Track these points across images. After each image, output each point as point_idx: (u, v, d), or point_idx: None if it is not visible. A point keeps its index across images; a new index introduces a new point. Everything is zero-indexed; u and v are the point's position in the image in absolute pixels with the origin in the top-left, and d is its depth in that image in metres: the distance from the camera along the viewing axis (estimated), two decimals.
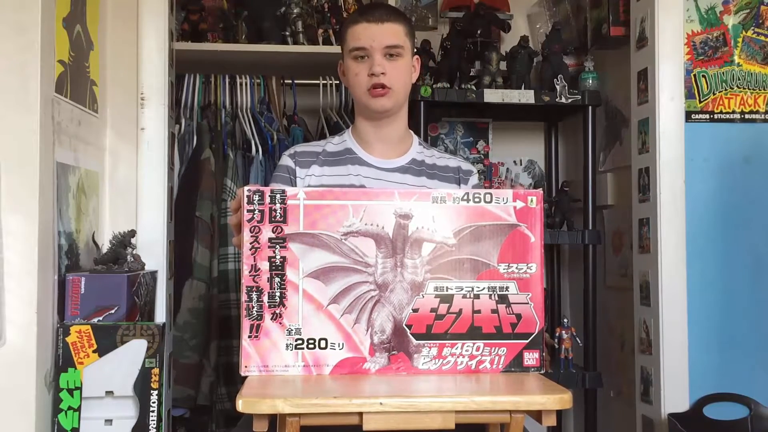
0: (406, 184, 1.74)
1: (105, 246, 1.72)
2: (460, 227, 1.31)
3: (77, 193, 1.62)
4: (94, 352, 1.47)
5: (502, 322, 1.32)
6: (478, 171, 2.85)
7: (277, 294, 1.28)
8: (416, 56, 1.79)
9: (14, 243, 1.36)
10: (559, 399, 1.17)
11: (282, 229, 1.27)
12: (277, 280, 1.28)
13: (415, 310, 1.30)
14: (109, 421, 1.50)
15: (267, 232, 1.27)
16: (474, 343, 1.31)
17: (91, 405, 1.47)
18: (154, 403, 1.50)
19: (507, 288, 1.33)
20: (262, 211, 1.27)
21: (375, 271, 1.29)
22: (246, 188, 1.28)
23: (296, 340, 1.27)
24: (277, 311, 1.27)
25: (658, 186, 2.21)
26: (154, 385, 1.50)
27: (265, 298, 1.27)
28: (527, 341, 1.33)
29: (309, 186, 1.72)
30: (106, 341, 1.48)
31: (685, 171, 2.22)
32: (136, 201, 1.88)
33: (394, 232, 1.29)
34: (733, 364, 2.23)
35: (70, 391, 1.45)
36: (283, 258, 1.28)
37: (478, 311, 1.31)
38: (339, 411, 1.13)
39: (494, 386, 1.25)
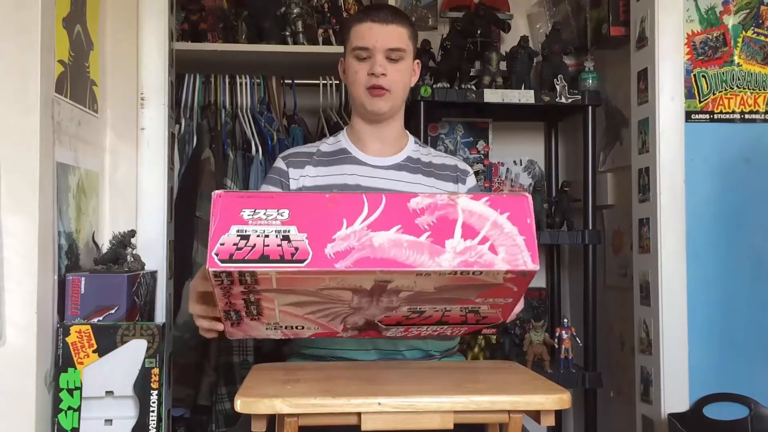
0: (401, 181, 1.73)
1: (105, 246, 1.72)
2: (443, 285, 1.21)
3: (77, 193, 1.62)
4: (94, 352, 1.47)
5: (468, 321, 1.31)
6: (479, 171, 2.86)
7: (254, 312, 1.24)
8: (417, 60, 1.79)
9: (14, 243, 1.36)
10: (557, 399, 1.17)
11: (255, 288, 1.18)
12: (253, 308, 1.23)
13: (386, 317, 1.28)
14: (109, 421, 1.50)
15: (238, 288, 1.16)
16: (440, 326, 1.34)
17: (91, 405, 1.47)
18: (154, 403, 1.50)
19: (479, 308, 1.29)
20: (231, 281, 1.15)
21: (350, 303, 1.24)
22: (211, 269, 1.11)
23: (275, 325, 1.29)
24: (256, 318, 1.26)
25: (658, 186, 2.21)
26: (154, 385, 1.50)
27: (244, 313, 1.24)
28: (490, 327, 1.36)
29: (303, 187, 1.72)
30: (106, 341, 1.48)
31: (685, 171, 2.22)
32: (136, 201, 1.88)
33: (373, 287, 1.20)
34: (733, 364, 2.22)
35: (70, 391, 1.45)
36: (258, 299, 1.20)
37: (447, 317, 1.30)
38: (337, 411, 1.13)
39: (493, 386, 1.25)
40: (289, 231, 1.13)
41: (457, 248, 1.16)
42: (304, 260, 1.12)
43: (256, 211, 1.15)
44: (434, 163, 1.80)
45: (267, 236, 1.12)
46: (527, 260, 1.16)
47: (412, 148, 1.81)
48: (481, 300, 1.25)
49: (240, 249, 1.11)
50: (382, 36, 1.67)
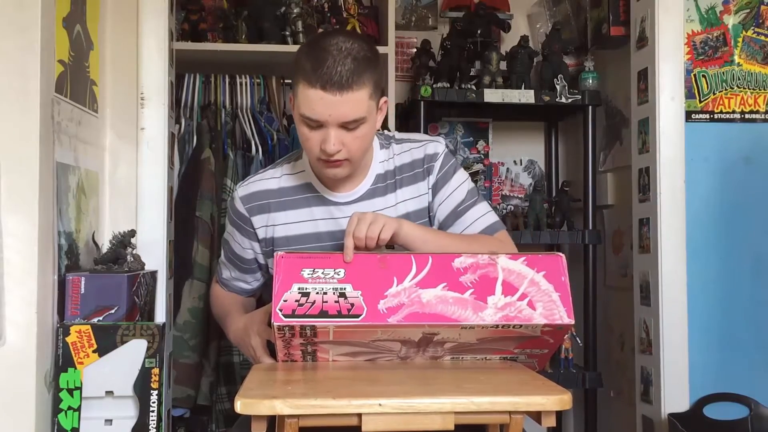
0: (375, 210, 1.58)
1: (105, 246, 1.71)
2: (485, 337, 1.34)
3: (77, 193, 1.62)
4: (94, 352, 1.47)
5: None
6: (478, 171, 2.85)
7: (310, 360, 1.38)
8: (384, 98, 1.55)
9: (14, 243, 1.36)
10: (558, 400, 1.17)
11: (313, 340, 1.31)
12: (309, 357, 1.37)
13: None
14: (109, 421, 1.50)
15: (298, 340, 1.31)
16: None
17: (91, 405, 1.47)
18: (154, 403, 1.50)
19: (517, 358, 1.42)
20: (293, 334, 1.29)
21: (399, 353, 1.37)
22: (276, 323, 1.26)
23: None
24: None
25: (658, 186, 2.21)
26: (154, 385, 1.49)
27: (300, 361, 1.38)
28: None
29: (275, 238, 1.63)
30: (106, 341, 1.48)
31: (685, 171, 2.21)
32: (136, 201, 1.88)
33: (420, 339, 1.33)
34: (733, 364, 2.22)
35: (70, 391, 1.45)
36: (314, 350, 1.34)
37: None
38: (338, 412, 1.13)
39: (493, 387, 1.24)
40: (345, 289, 1.29)
41: (498, 304, 1.30)
42: (360, 315, 1.26)
43: (315, 270, 1.30)
44: (402, 165, 1.64)
45: (325, 293, 1.28)
46: (563, 315, 1.30)
47: (378, 160, 1.64)
48: (519, 350, 1.38)
49: (301, 305, 1.26)
50: (335, 109, 1.41)
